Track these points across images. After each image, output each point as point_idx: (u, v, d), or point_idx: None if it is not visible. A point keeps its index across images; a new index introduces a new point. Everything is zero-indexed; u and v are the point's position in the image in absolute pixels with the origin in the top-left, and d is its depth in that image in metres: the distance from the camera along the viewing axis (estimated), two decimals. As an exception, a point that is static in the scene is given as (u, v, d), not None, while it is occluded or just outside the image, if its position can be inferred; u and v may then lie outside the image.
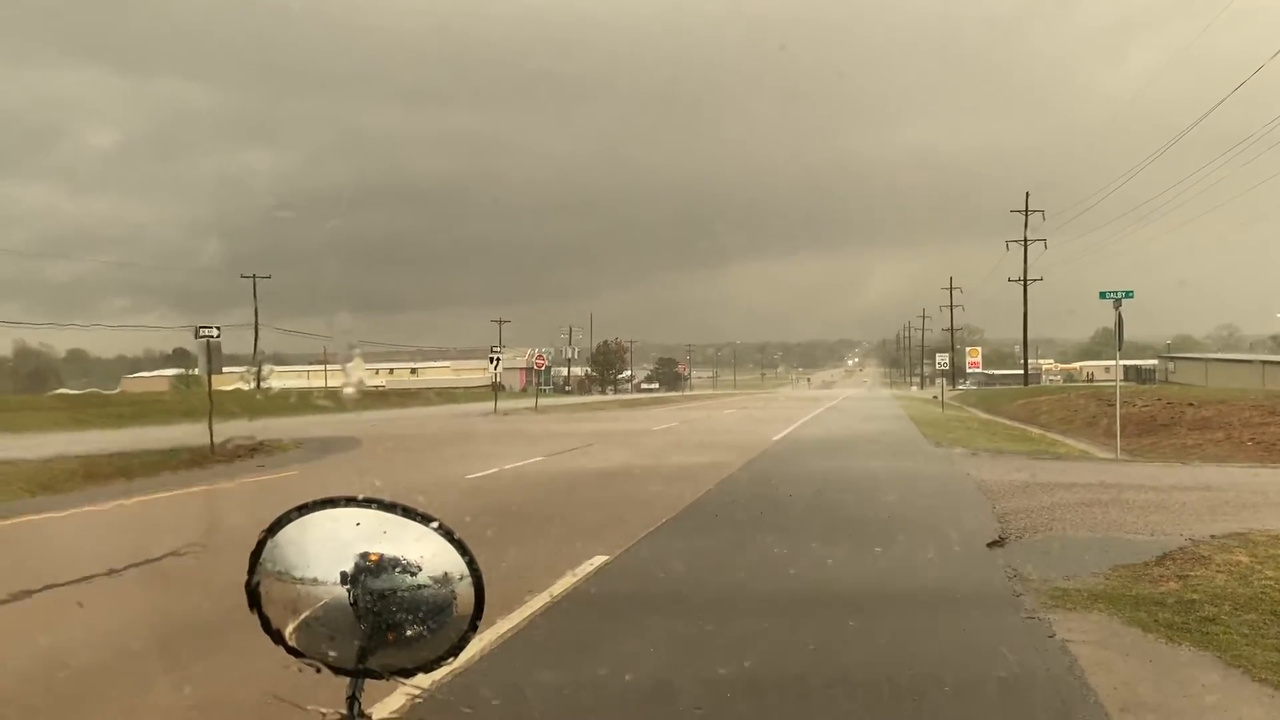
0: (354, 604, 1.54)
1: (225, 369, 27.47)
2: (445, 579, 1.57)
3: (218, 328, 22.20)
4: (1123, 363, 22.11)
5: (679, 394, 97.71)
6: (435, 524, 1.59)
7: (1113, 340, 21.10)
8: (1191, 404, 27.84)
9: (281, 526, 1.59)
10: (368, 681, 1.59)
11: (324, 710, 1.58)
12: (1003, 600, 7.13)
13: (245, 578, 1.57)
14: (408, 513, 1.60)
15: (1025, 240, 64.02)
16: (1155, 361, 76.63)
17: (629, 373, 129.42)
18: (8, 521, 11.68)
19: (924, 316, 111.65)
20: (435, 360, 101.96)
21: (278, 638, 1.57)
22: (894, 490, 14.22)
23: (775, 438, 26.08)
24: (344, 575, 1.55)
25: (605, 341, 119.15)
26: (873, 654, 5.80)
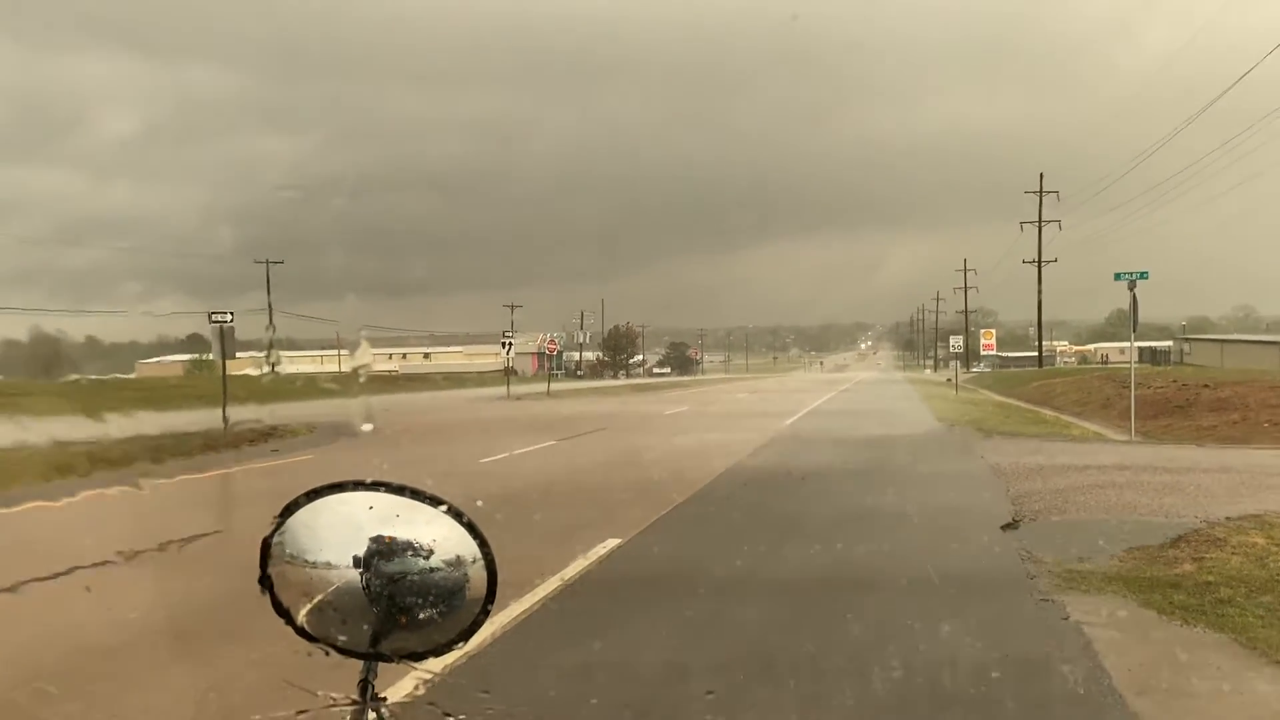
0: (366, 587, 1.54)
1: (239, 354, 27.57)
2: (458, 562, 1.57)
3: (231, 313, 22.29)
4: (1138, 344, 21.97)
5: (690, 378, 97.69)
6: (447, 507, 1.58)
7: (1128, 322, 20.97)
8: (1207, 385, 27.67)
9: (294, 511, 1.59)
10: (380, 665, 1.59)
11: (335, 695, 1.58)
12: (1016, 583, 7.11)
13: (258, 562, 1.57)
14: (420, 496, 1.59)
15: (1040, 221, 63.64)
16: (1170, 343, 76.23)
17: (641, 357, 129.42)
18: (24, 506, 11.77)
19: (938, 299, 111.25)
20: (447, 345, 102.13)
21: (290, 621, 1.57)
22: (907, 474, 14.21)
23: (786, 422, 26.06)
24: (356, 559, 1.54)
25: (617, 326, 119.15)
26: (885, 637, 5.80)
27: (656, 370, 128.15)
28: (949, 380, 53.34)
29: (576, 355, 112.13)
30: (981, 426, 23.18)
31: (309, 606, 1.56)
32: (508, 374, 50.58)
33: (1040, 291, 63.75)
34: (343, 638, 1.56)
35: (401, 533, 1.56)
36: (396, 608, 1.54)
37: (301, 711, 1.80)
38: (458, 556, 1.57)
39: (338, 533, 1.56)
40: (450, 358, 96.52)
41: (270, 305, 65.32)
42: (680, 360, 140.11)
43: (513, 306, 79.74)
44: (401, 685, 3.65)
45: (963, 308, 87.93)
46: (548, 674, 5.16)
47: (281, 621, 1.57)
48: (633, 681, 5.07)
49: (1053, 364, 78.91)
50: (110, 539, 9.00)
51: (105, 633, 6.07)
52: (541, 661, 5.36)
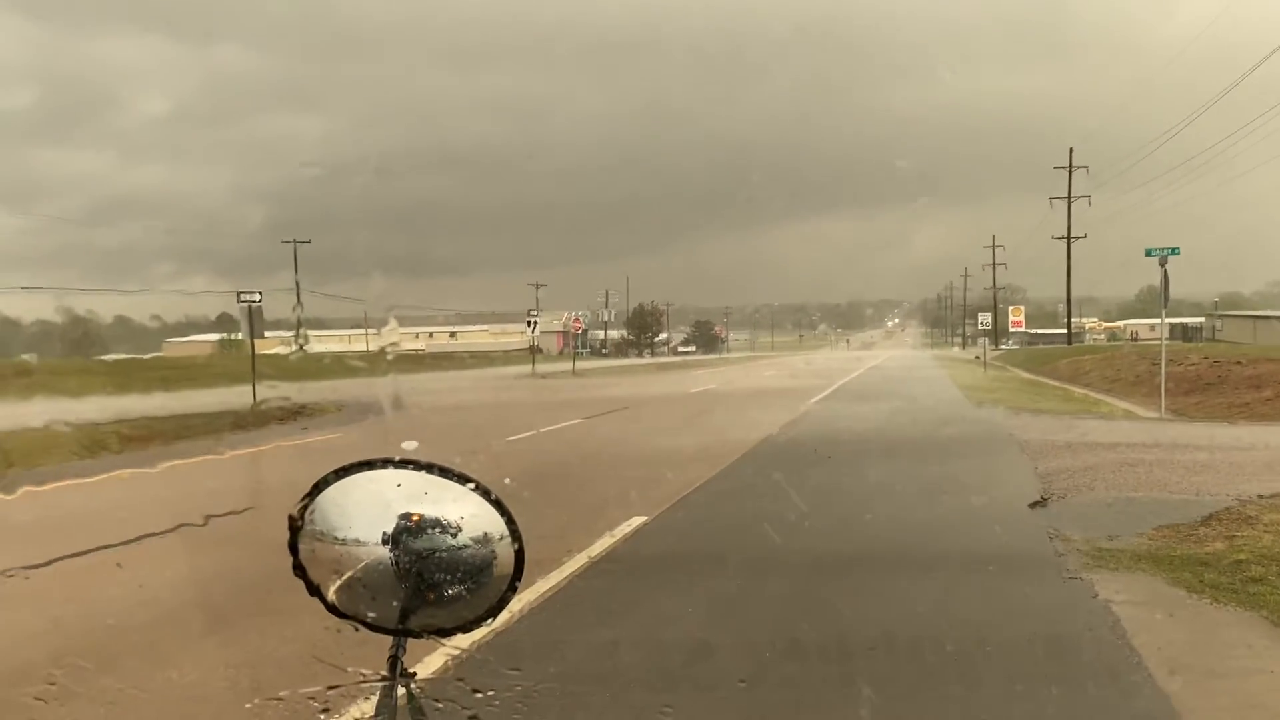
0: (395, 564, 1.54)
1: (267, 333, 27.80)
2: (485, 539, 1.57)
3: (259, 292, 22.47)
4: (1168, 321, 21.75)
5: (716, 356, 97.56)
6: (475, 485, 1.59)
7: (1158, 298, 20.74)
8: (1239, 362, 27.33)
9: (323, 488, 1.60)
10: (409, 642, 1.60)
11: (365, 671, 1.60)
12: (1044, 561, 7.08)
13: (288, 539, 1.58)
14: (447, 474, 1.60)
15: (1069, 197, 62.96)
16: (1202, 319, 75.29)
17: (665, 335, 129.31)
18: (59, 484, 11.93)
19: (965, 276, 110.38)
20: (473, 324, 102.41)
21: (321, 598, 1.58)
22: (934, 452, 14.14)
23: (812, 400, 25.99)
24: (385, 536, 1.55)
25: (642, 304, 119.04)
26: (914, 615, 5.79)
27: (681, 349, 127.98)
28: (977, 357, 53.00)
29: (601, 334, 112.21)
30: (1009, 404, 23.03)
31: (339, 583, 1.57)
32: (533, 353, 50.73)
33: (1070, 268, 63.15)
34: (372, 614, 1.57)
35: (429, 510, 1.56)
36: (425, 584, 1.55)
37: (332, 687, 1.82)
38: (485, 534, 1.57)
39: (366, 510, 1.57)
40: (476, 337, 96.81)
41: (298, 285, 65.73)
42: (705, 339, 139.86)
43: (538, 285, 79.77)
44: (430, 661, 3.69)
45: (991, 285, 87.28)
46: (575, 651, 5.19)
47: (312, 598, 1.59)
48: (660, 658, 5.09)
49: (1082, 341, 78.19)
50: (141, 516, 9.11)
51: (137, 609, 6.16)
52: (569, 638, 5.39)
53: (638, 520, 8.63)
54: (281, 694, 2.07)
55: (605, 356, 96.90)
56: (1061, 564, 6.90)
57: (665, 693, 4.50)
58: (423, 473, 1.59)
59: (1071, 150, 63.67)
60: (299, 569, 1.58)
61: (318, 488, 1.59)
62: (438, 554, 1.55)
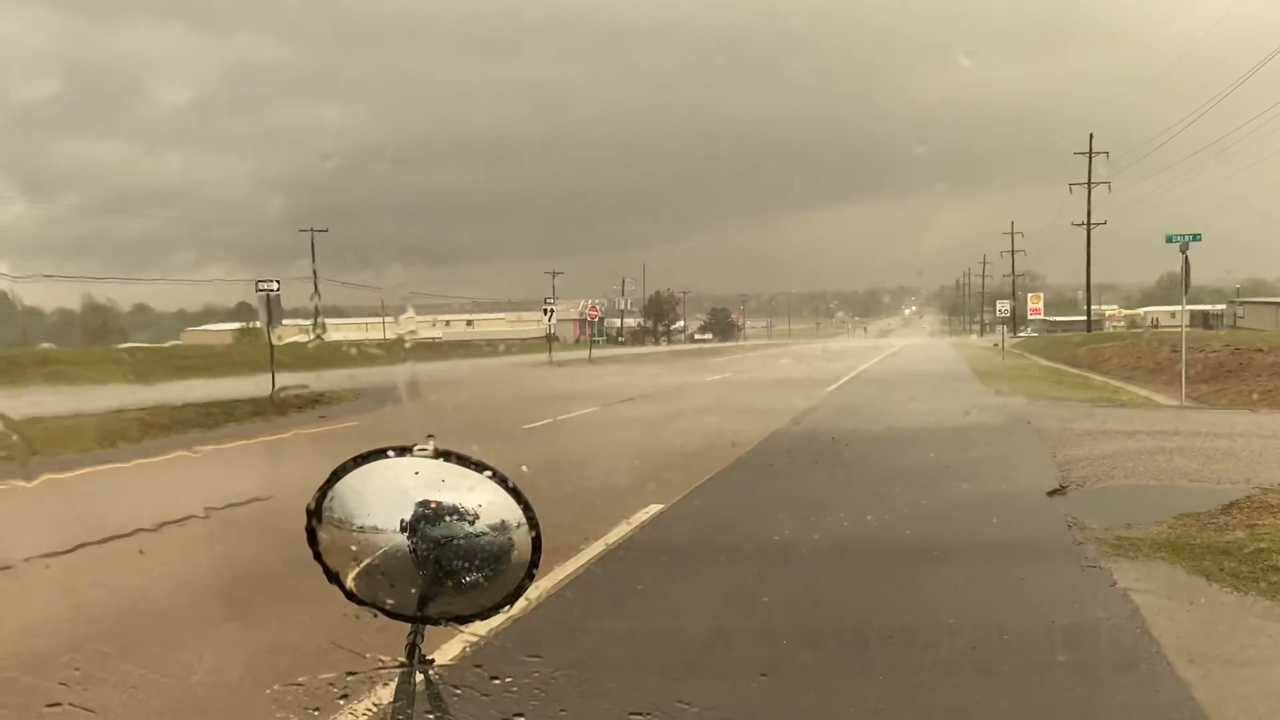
0: (413, 552, 1.55)
1: (285, 322, 27.92)
2: (503, 527, 1.57)
3: (277, 281, 22.56)
4: (1189, 308, 21.56)
5: (733, 344, 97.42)
6: (492, 472, 1.59)
7: (1179, 285, 20.57)
8: (1261, 349, 27.09)
9: (341, 476, 1.60)
10: (427, 628, 1.61)
11: (383, 657, 1.60)
12: (1063, 549, 7.05)
13: (305, 517, 1.59)
14: (465, 461, 1.60)
15: (1089, 183, 62.47)
16: (1223, 306, 74.65)
17: (682, 323, 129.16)
18: (77, 472, 12.03)
19: (984, 263, 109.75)
20: (490, 312, 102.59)
21: (339, 585, 1.59)
22: (952, 441, 14.09)
23: (829, 389, 25.93)
24: (403, 523, 1.56)
25: (658, 292, 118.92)
26: (932, 603, 5.78)
27: (698, 336, 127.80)
28: (995, 345, 52.77)
29: (618, 322, 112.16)
30: (1028, 391, 22.92)
31: (357, 570, 1.58)
32: (550, 341, 50.77)
33: (1089, 254, 62.71)
34: (390, 601, 1.58)
35: (447, 498, 1.57)
36: (443, 572, 1.56)
37: (351, 673, 1.83)
38: (503, 521, 1.58)
39: (384, 497, 1.58)
40: (493, 324, 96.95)
41: (315, 273, 65.96)
42: (722, 326, 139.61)
43: (554, 273, 79.82)
44: (448, 648, 3.71)
45: (1010, 272, 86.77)
46: (593, 638, 5.21)
47: (330, 585, 1.59)
48: (677, 646, 5.10)
49: (1101, 328, 77.70)
50: (162, 504, 9.19)
51: (158, 595, 6.21)
52: (586, 625, 5.41)
53: (654, 508, 8.64)
54: (300, 680, 2.08)
55: (622, 344, 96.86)
56: (1080, 552, 6.87)
57: (683, 681, 4.50)
58: (440, 460, 1.59)
59: (1091, 136, 63.16)
60: (317, 556, 1.59)
61: (336, 475, 1.60)
62: (455, 541, 1.56)
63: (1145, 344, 37.81)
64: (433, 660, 1.62)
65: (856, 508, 8.86)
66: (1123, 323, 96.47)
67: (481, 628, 1.58)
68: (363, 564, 1.57)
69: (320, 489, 1.59)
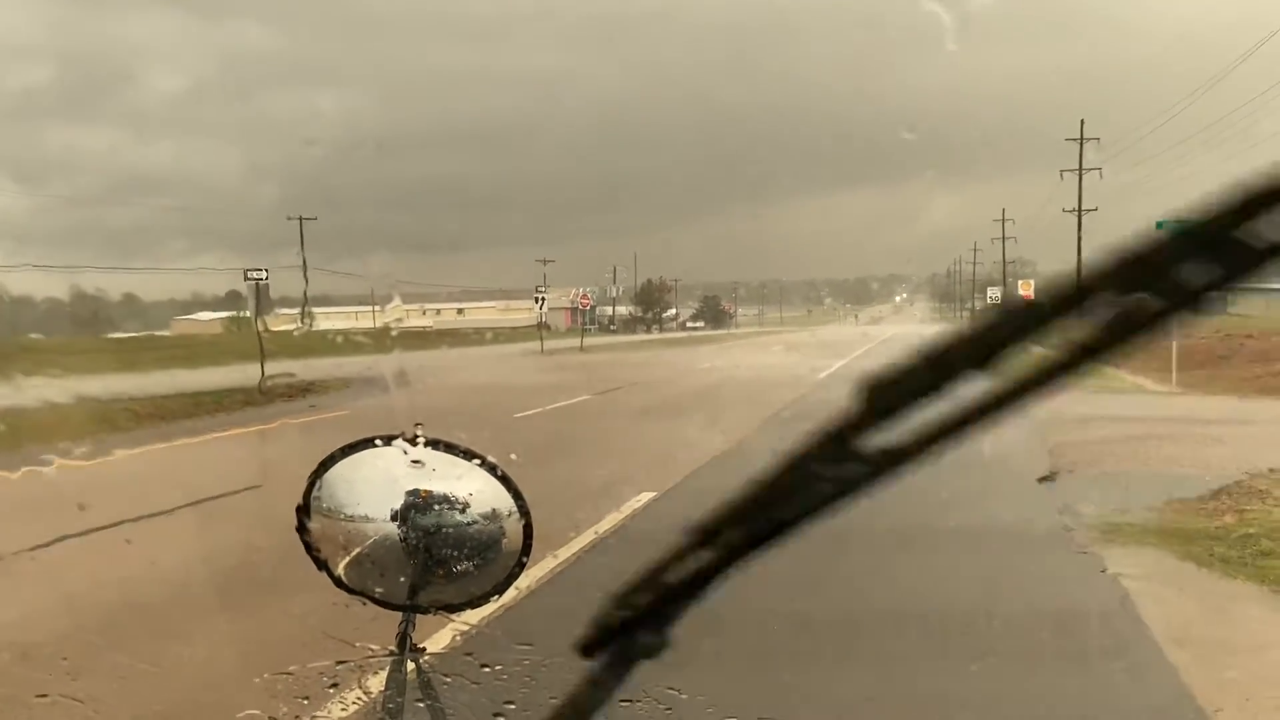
0: (403, 541, 1.54)
1: (275, 311, 27.84)
2: (493, 515, 1.57)
3: (266, 270, 22.46)
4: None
5: (724, 332, 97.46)
6: (483, 461, 1.58)
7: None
8: (1251, 336, 27.23)
9: (330, 465, 1.59)
10: (418, 617, 1.60)
11: (374, 646, 1.60)
12: (1054, 535, 7.07)
13: (295, 516, 1.58)
14: (455, 450, 1.59)
15: (1080, 169, 62.57)
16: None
17: (674, 311, 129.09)
18: (64, 462, 11.99)
19: (975, 250, 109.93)
20: (481, 300, 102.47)
21: (330, 574, 1.58)
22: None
23: (820, 376, 25.97)
24: (394, 512, 1.55)
25: (649, 280, 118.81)
26: (922, 588, 5.80)
27: (690, 324, 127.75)
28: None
29: (609, 310, 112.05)
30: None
31: (347, 559, 1.57)
32: (541, 329, 50.72)
33: (1080, 241, 62.82)
34: (380, 590, 1.57)
35: (437, 487, 1.56)
36: (433, 560, 1.55)
37: (341, 662, 1.82)
38: (493, 510, 1.57)
39: (375, 487, 1.57)
40: (483, 313, 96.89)
41: (304, 262, 65.78)
42: (714, 314, 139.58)
43: (545, 261, 79.70)
44: (439, 637, 3.70)
45: (1000, 258, 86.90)
46: (584, 626, 5.21)
47: (321, 574, 1.59)
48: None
49: (1091, 315, 77.68)
50: (150, 494, 9.16)
51: (148, 586, 6.19)
52: (577, 614, 5.41)
53: (646, 496, 8.64)
54: (290, 669, 2.08)
55: (613, 332, 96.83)
56: (1071, 538, 6.90)
57: (672, 667, 4.51)
58: (430, 449, 1.59)
59: (1083, 122, 63.20)
60: (307, 546, 1.58)
61: (325, 465, 1.59)
62: (446, 530, 1.55)
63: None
64: (423, 649, 1.62)
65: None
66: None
67: (472, 616, 1.58)
68: (353, 553, 1.57)
69: (310, 478, 1.58)
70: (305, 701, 2.01)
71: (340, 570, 1.58)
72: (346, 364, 26.55)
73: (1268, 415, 14.20)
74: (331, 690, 2.04)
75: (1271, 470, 8.90)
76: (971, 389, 0.65)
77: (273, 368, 22.46)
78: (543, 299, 47.47)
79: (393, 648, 1.58)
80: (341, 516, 1.58)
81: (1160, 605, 5.26)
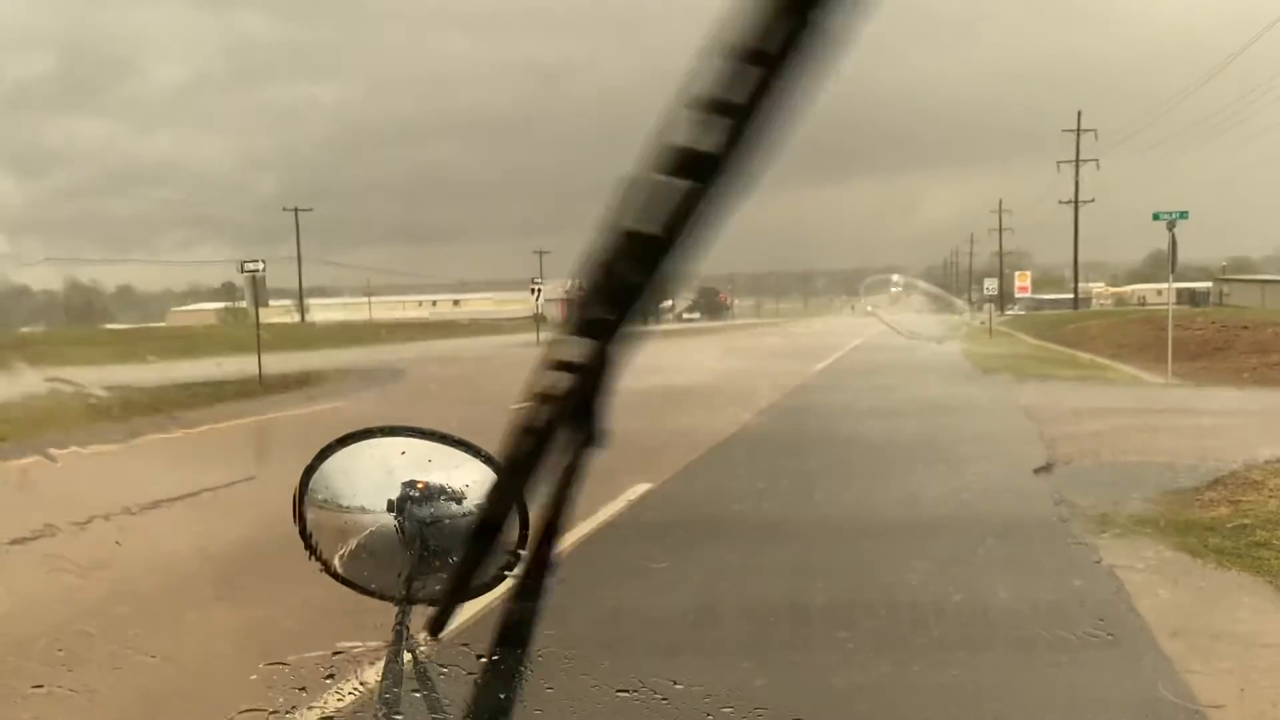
0: (400, 532, 1.54)
1: (271, 301, 27.80)
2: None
3: (262, 261, 22.43)
4: (1176, 285, 21.65)
5: (721, 323, 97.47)
6: (480, 452, 1.58)
7: (1166, 263, 20.64)
8: (1247, 327, 27.26)
9: (327, 456, 1.59)
10: (414, 609, 1.60)
11: (370, 638, 1.60)
12: (1049, 526, 7.09)
13: (292, 506, 1.58)
14: (452, 441, 1.59)
15: (1077, 160, 62.61)
16: (1209, 284, 74.99)
17: (670, 302, 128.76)
18: (58, 452, 11.97)
19: (972, 241, 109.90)
20: (477, 292, 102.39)
21: (325, 566, 1.58)
22: (939, 418, 14.14)
23: (817, 366, 26.00)
24: (390, 503, 1.55)
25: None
26: (918, 579, 5.81)
27: (686, 315, 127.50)
28: (982, 323, 52.90)
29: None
30: (1015, 370, 23.00)
31: (343, 551, 1.57)
32: (538, 321, 50.65)
33: (1077, 232, 62.96)
34: (377, 581, 1.57)
35: (434, 478, 1.56)
36: (430, 552, 1.55)
37: (337, 653, 1.82)
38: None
39: (371, 478, 1.57)
40: (479, 304, 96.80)
41: (299, 253, 65.72)
42: (710, 305, 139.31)
43: (541, 253, 79.55)
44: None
45: (998, 250, 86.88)
46: (579, 616, 5.22)
47: (317, 566, 1.59)
48: (664, 624, 5.11)
49: (1088, 306, 78.00)
50: (145, 485, 9.15)
51: (142, 577, 6.19)
52: (574, 604, 5.41)
53: (643, 487, 8.65)
54: (287, 660, 2.08)
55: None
56: (1066, 529, 6.91)
57: (669, 658, 4.52)
58: (427, 440, 1.59)
59: (1080, 113, 63.29)
60: (304, 537, 1.58)
61: (322, 455, 1.59)
62: (442, 521, 1.55)
63: (1131, 322, 38.01)
64: (420, 640, 1.62)
65: (843, 486, 8.89)
66: (1109, 300, 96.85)
67: (469, 607, 1.58)
68: (349, 544, 1.57)
69: (306, 469, 1.58)
70: (302, 692, 2.01)
71: (336, 561, 1.58)
72: (342, 355, 26.59)
73: (1263, 406, 14.23)
74: (328, 681, 2.04)
75: (1267, 461, 8.92)
76: None
77: (269, 359, 22.42)
78: (539, 291, 47.38)
79: (389, 639, 1.58)
80: (338, 507, 1.58)
81: (1155, 596, 5.28)
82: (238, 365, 22.45)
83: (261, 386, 20.40)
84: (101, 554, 6.96)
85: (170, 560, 6.62)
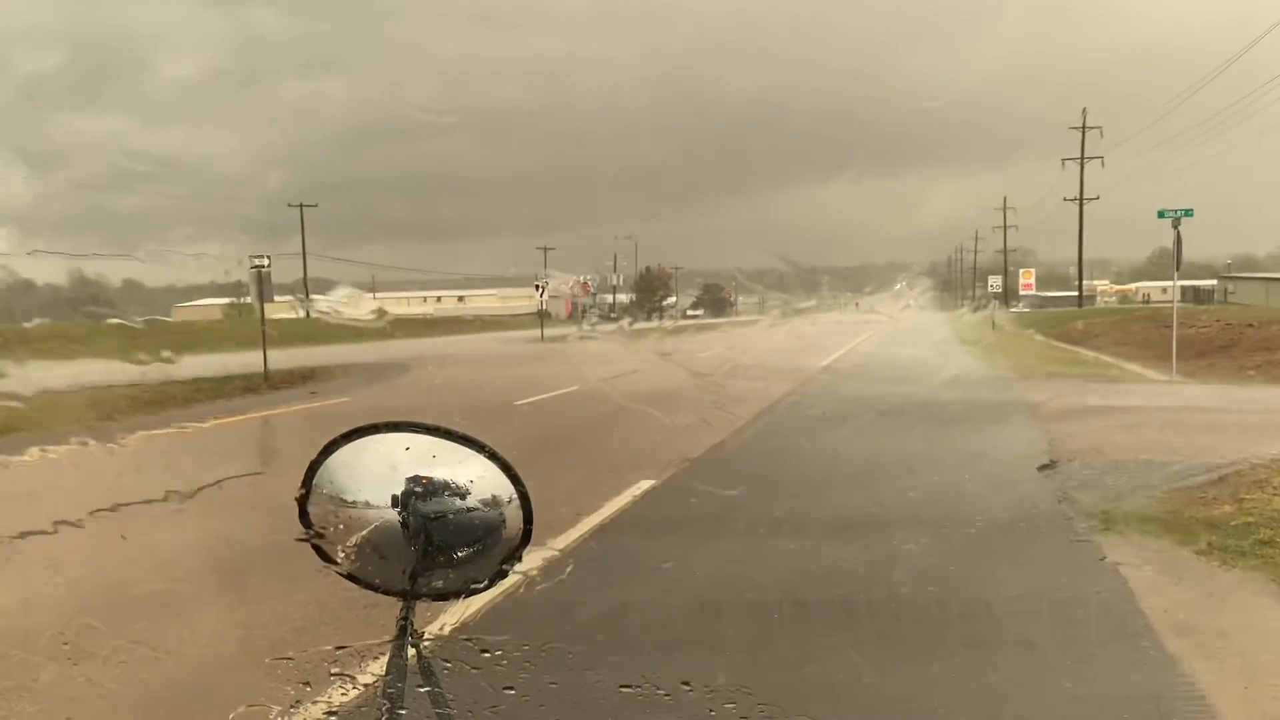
0: (404, 527, 1.55)
1: (276, 297, 27.78)
2: (494, 502, 1.57)
3: (268, 256, 22.45)
4: (1180, 283, 21.59)
5: (724, 320, 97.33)
6: (483, 448, 1.59)
7: (1171, 260, 20.59)
8: (1251, 325, 27.20)
9: (332, 452, 1.60)
10: (418, 603, 1.60)
11: (374, 633, 1.60)
12: (1053, 523, 7.08)
13: (297, 502, 1.58)
14: (456, 437, 1.59)
15: (1082, 158, 62.46)
16: (1214, 282, 74.78)
17: (674, 299, 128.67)
18: (64, 448, 11.98)
19: (976, 238, 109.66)
20: (482, 288, 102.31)
21: (330, 560, 1.59)
22: (944, 416, 14.12)
23: (822, 363, 25.97)
24: (395, 499, 1.55)
25: (649, 267, 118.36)
26: (921, 576, 5.80)
27: (690, 312, 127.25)
28: (987, 320, 52.83)
29: (609, 298, 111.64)
30: (1019, 368, 22.97)
31: (349, 546, 1.57)
32: (541, 317, 50.63)
33: (1081, 230, 62.79)
34: (382, 576, 1.57)
35: (438, 473, 1.56)
36: (434, 547, 1.55)
37: (341, 647, 1.83)
38: (494, 496, 1.57)
39: (376, 473, 1.57)
40: (483, 301, 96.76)
41: (304, 249, 65.76)
42: (714, 302, 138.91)
43: (545, 249, 79.47)
44: (440, 623, 3.72)
45: (1002, 247, 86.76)
46: (584, 611, 5.22)
47: (322, 561, 1.59)
48: (668, 619, 5.12)
49: (1093, 303, 77.84)
50: (152, 480, 9.15)
51: (148, 572, 6.20)
52: (578, 599, 5.41)
53: (646, 484, 8.65)
54: (292, 654, 2.09)
55: (614, 320, 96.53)
56: (1070, 526, 6.91)
57: (673, 652, 4.53)
58: (431, 436, 1.59)
59: (1085, 111, 63.06)
60: (309, 532, 1.58)
61: (327, 451, 1.59)
62: (446, 517, 1.55)
63: (1135, 320, 37.94)
64: (424, 634, 1.62)
65: (845, 484, 8.88)
66: (1114, 298, 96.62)
67: (473, 602, 1.59)
68: (354, 539, 1.57)
69: (311, 464, 1.58)
70: (307, 686, 2.02)
71: (342, 557, 1.58)
72: (348, 351, 26.57)
73: (1268, 404, 14.20)
74: (333, 675, 2.04)
75: (1272, 459, 8.91)
76: None
77: (274, 355, 22.43)
78: (543, 287, 47.36)
79: (394, 633, 1.58)
80: (343, 503, 1.58)
81: (1159, 595, 5.27)
82: (242, 360, 22.46)
83: (267, 382, 20.41)
84: (102, 554, 6.98)
85: (165, 562, 6.63)
